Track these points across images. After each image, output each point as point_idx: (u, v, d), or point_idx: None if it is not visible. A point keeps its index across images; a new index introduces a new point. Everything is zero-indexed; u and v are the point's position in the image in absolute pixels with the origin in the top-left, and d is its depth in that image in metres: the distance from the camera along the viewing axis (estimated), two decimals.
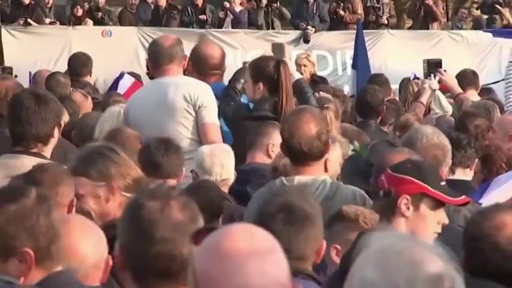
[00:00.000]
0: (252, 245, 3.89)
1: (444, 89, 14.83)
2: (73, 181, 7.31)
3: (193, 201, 5.69)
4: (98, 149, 7.35)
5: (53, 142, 8.81)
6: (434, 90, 14.87)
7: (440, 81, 14.75)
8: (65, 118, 10.68)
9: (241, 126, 11.34)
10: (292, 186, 8.17)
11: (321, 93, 15.43)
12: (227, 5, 29.86)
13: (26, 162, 7.84)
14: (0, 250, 5.41)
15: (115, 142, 9.32)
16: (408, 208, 7.12)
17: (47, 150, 8.64)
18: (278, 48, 16.16)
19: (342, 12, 30.08)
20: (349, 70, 23.47)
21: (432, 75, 14.56)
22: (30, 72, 18.15)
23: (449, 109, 14.32)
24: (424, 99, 14.46)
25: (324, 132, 8.97)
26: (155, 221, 5.01)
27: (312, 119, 9.09)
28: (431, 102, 14.61)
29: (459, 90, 15.21)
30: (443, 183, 7.39)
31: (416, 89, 16.19)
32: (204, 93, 11.01)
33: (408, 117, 13.53)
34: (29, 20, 28.63)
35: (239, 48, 25.16)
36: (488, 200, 8.38)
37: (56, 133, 8.96)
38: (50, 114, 8.80)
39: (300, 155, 8.65)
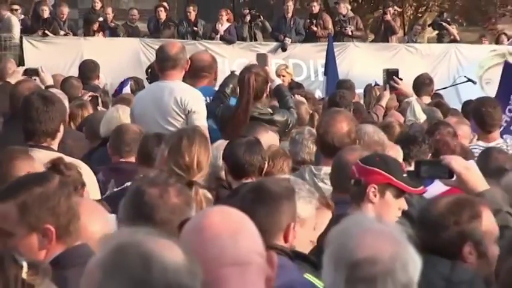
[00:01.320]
0: (226, 221, 3.95)
1: (400, 94, 14.93)
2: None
3: (187, 188, 5.86)
4: None
5: (59, 136, 8.83)
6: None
7: (396, 88, 14.90)
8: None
9: (229, 124, 11.33)
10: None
11: (296, 96, 15.49)
12: (219, 28, 29.91)
13: (37, 155, 7.83)
14: (26, 226, 5.41)
15: (120, 136, 9.68)
16: (375, 195, 7.09)
17: (55, 144, 8.68)
18: (262, 58, 16.16)
19: (314, 28, 30.11)
20: (320, 76, 23.40)
21: (389, 85, 14.84)
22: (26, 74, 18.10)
23: (422, 117, 14.29)
24: (383, 102, 14.55)
25: (353, 131, 8.96)
26: (155, 205, 5.11)
27: (344, 119, 9.13)
28: (407, 111, 14.68)
29: (412, 95, 15.33)
30: (404, 174, 7.39)
31: (378, 94, 16.20)
32: (193, 100, 10.91)
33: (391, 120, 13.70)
34: (46, 32, 28.58)
35: (227, 57, 25.10)
36: (432, 188, 8.39)
37: (62, 129, 8.93)
38: (56, 113, 8.81)
39: (331, 149, 8.62)
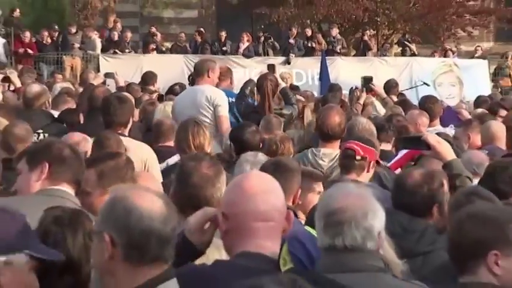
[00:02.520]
0: (261, 183, 3.91)
1: (374, 94, 15.05)
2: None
3: (219, 163, 5.79)
4: None
5: (129, 126, 8.84)
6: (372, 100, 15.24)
7: (371, 90, 15.13)
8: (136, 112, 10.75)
9: (249, 117, 11.32)
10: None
11: (297, 96, 15.48)
12: (241, 46, 30.12)
13: None
14: (101, 188, 5.44)
15: (158, 128, 9.70)
16: (370, 167, 7.17)
17: (126, 131, 8.69)
18: (271, 67, 16.34)
19: (313, 45, 30.25)
20: (316, 81, 23.31)
21: (365, 89, 15.05)
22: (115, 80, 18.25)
23: (382, 112, 14.40)
24: (361, 101, 14.55)
25: (343, 122, 8.78)
26: (189, 173, 5.07)
27: (336, 113, 8.95)
28: (371, 108, 14.84)
29: (384, 95, 15.44)
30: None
31: (357, 94, 16.15)
32: (218, 97, 10.93)
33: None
34: (116, 50, 28.69)
35: (247, 68, 25.10)
36: (393, 163, 8.40)
37: (131, 121, 8.98)
38: (127, 109, 8.87)
39: (327, 136, 8.52)
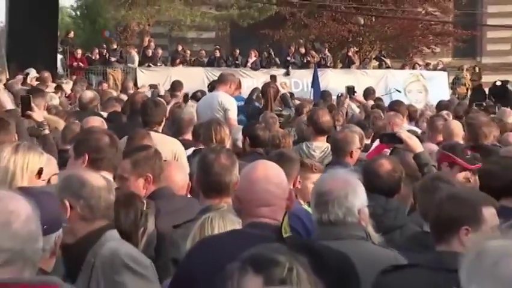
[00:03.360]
0: (266, 173, 3.85)
1: (356, 100, 15.05)
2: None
3: (234, 155, 5.72)
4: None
5: (162, 125, 8.73)
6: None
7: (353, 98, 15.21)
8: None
9: (255, 117, 11.31)
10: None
11: (295, 101, 15.49)
12: (250, 60, 30.29)
13: (152, 134, 7.75)
14: (136, 174, 5.44)
15: (178, 123, 9.67)
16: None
17: (160, 129, 8.55)
18: (273, 77, 16.38)
19: (307, 59, 30.22)
20: (309, 89, 23.22)
21: (349, 95, 15.11)
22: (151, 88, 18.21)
23: (356, 110, 14.51)
24: (345, 105, 14.48)
25: (331, 121, 8.80)
26: (211, 163, 4.96)
27: (326, 113, 9.00)
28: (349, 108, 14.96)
29: (364, 101, 15.47)
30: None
31: (342, 100, 16.13)
32: (227, 102, 10.82)
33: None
34: (150, 64, 28.70)
35: (254, 78, 25.14)
36: (369, 153, 8.35)
37: (164, 120, 8.89)
38: (161, 111, 8.78)
39: (320, 131, 8.42)
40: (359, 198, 4.27)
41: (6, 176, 4.76)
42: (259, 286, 2.66)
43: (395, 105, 12.99)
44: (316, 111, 9.15)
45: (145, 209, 4.26)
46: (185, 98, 16.11)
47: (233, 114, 10.92)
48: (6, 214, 2.42)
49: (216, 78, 13.25)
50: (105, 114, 11.22)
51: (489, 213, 4.01)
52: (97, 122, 8.50)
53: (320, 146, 8.31)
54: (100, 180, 4.10)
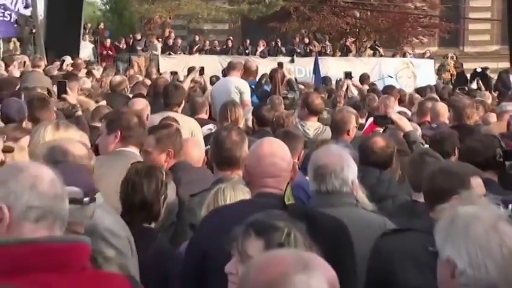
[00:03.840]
0: (271, 149, 3.83)
1: (353, 85, 14.96)
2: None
3: (244, 132, 5.76)
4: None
5: (182, 106, 8.65)
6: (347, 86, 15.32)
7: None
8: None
9: (265, 99, 11.27)
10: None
11: (300, 85, 15.48)
12: (259, 49, 30.39)
13: (172, 114, 7.84)
14: (158, 149, 5.46)
15: (192, 105, 9.57)
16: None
17: (179, 110, 8.47)
18: (280, 64, 16.30)
19: (310, 48, 30.17)
20: (311, 75, 23.08)
21: (347, 80, 15.04)
22: (171, 74, 18.11)
23: (355, 92, 14.48)
24: (344, 88, 14.39)
25: (322, 103, 8.75)
26: (224, 140, 4.96)
27: (318, 97, 8.96)
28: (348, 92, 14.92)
29: (360, 85, 15.43)
30: None
31: (341, 84, 16.08)
32: (243, 86, 10.98)
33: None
34: (171, 53, 28.64)
35: (262, 65, 24.60)
36: (364, 131, 8.34)
37: (183, 102, 8.83)
38: (180, 94, 8.72)
39: (311, 112, 8.36)
40: (352, 171, 4.32)
41: (58, 152, 4.76)
42: (261, 248, 2.70)
43: (388, 89, 13.05)
44: (309, 95, 9.18)
45: (164, 177, 4.25)
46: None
47: (247, 96, 11.02)
48: (32, 178, 2.42)
49: None
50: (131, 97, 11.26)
51: (476, 183, 4.00)
52: (142, 103, 8.44)
53: (313, 125, 8.29)
54: (81, 148, 4.08)
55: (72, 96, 8.01)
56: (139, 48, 29.48)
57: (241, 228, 2.82)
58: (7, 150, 5.02)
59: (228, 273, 2.82)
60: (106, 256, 2.90)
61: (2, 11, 20.55)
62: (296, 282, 1.98)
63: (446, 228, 2.65)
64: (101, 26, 33.86)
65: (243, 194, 4.09)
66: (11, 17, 21.26)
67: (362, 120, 8.98)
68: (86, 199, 3.35)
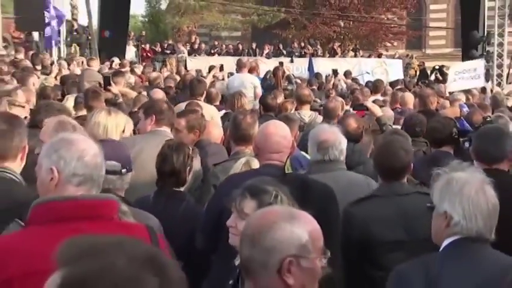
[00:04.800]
0: (275, 129, 3.79)
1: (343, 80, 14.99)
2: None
3: (256, 115, 5.81)
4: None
5: (203, 95, 8.63)
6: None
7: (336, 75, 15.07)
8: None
9: (270, 91, 11.21)
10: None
11: (297, 80, 15.36)
12: (264, 52, 30.22)
13: (196, 102, 7.78)
14: (188, 129, 5.36)
15: (208, 95, 9.23)
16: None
17: (202, 99, 8.40)
18: (281, 63, 16.23)
19: (305, 51, 30.00)
20: (306, 71, 22.95)
21: (338, 76, 15.03)
22: (196, 71, 18.01)
23: (344, 86, 14.45)
24: (331, 83, 14.44)
25: (310, 95, 8.53)
26: (240, 122, 4.89)
27: (306, 89, 9.00)
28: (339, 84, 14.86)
29: (347, 80, 15.34)
30: None
31: (330, 79, 16.03)
32: (255, 81, 11.16)
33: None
34: (196, 54, 28.55)
35: (267, 64, 24.41)
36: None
37: (204, 92, 8.77)
38: (202, 86, 8.67)
39: (303, 102, 8.18)
40: (344, 144, 4.38)
41: (104, 131, 4.78)
42: (254, 207, 2.72)
43: (377, 83, 12.83)
44: (300, 89, 9.16)
45: (191, 152, 4.22)
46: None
47: (259, 89, 11.20)
48: (79, 151, 2.42)
49: None
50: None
51: None
52: (160, 93, 8.49)
53: (307, 113, 8.11)
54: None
55: (115, 88, 7.98)
56: (169, 51, 29.35)
57: (238, 191, 2.84)
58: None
59: (229, 226, 2.85)
60: (122, 210, 2.91)
61: (56, 22, 20.48)
62: (282, 228, 2.00)
63: (443, 189, 2.73)
64: (142, 33, 34.10)
65: (254, 165, 4.14)
66: (72, 28, 21.34)
67: (347, 107, 8.96)
68: (123, 170, 3.41)
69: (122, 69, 13.84)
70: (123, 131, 5.02)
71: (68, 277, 1.16)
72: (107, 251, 1.19)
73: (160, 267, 1.19)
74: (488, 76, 20.43)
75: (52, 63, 14.33)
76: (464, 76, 12.66)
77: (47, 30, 19.11)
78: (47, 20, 18.92)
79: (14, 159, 3.35)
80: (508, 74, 21.33)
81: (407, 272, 2.72)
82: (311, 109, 8.47)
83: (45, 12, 18.84)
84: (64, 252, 1.19)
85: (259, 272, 2.00)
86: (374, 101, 8.96)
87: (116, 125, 4.96)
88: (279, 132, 3.79)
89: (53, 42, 19.62)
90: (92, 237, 1.24)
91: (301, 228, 2.01)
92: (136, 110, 7.18)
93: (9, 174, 3.30)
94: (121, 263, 1.16)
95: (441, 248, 2.73)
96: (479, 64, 13.18)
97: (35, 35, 21.90)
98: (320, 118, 7.86)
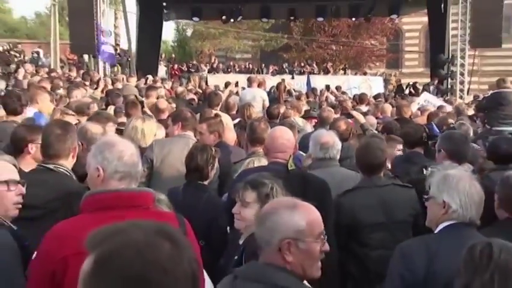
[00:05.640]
0: (282, 133, 3.78)
1: (333, 93, 14.82)
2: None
3: (267, 123, 5.59)
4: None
5: (219, 106, 8.51)
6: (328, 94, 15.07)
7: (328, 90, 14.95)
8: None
9: (274, 102, 11.15)
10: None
11: (297, 93, 15.30)
12: (270, 71, 29.97)
13: (213, 111, 7.67)
14: (209, 132, 5.30)
15: (227, 106, 9.14)
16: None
17: (218, 108, 8.27)
18: (283, 80, 16.12)
19: (304, 70, 29.80)
20: (305, 86, 22.77)
21: (327, 90, 14.90)
22: (215, 87, 17.93)
23: (333, 99, 14.30)
24: (324, 97, 14.30)
25: (304, 105, 8.61)
26: (256, 127, 4.86)
27: (302, 101, 9.20)
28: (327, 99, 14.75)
29: (337, 93, 15.21)
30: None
31: (323, 93, 15.96)
32: (264, 95, 11.07)
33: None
34: (215, 72, 28.31)
35: (272, 80, 24.11)
36: None
37: (220, 103, 8.66)
38: (218, 98, 8.65)
39: (297, 112, 8.25)
40: (339, 145, 4.42)
41: (141, 135, 4.87)
42: (254, 197, 2.78)
43: (362, 96, 12.75)
44: (296, 101, 9.10)
45: (213, 153, 4.22)
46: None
47: (267, 101, 11.07)
48: (119, 152, 2.43)
49: None
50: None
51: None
52: (164, 103, 8.21)
53: (300, 120, 8.03)
54: (98, 128, 4.32)
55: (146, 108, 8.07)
56: (193, 70, 29.19)
57: (241, 184, 2.87)
58: (118, 131, 5.18)
59: (234, 213, 2.87)
60: (158, 198, 2.94)
61: (110, 47, 20.66)
62: (282, 215, 2.01)
63: (441, 183, 2.75)
64: (172, 55, 34.00)
65: (264, 162, 4.15)
66: (115, 51, 21.43)
67: (337, 115, 8.92)
68: (145, 170, 3.47)
69: (155, 85, 13.87)
70: (154, 136, 5.09)
71: (98, 257, 1.17)
72: (125, 230, 1.21)
73: (170, 235, 1.21)
74: (450, 90, 20.47)
75: (99, 80, 14.36)
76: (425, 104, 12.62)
77: (99, 53, 19.56)
78: (97, 45, 19.18)
79: (67, 157, 3.41)
80: (468, 89, 21.25)
81: (410, 248, 2.70)
82: (308, 117, 8.46)
83: (96, 38, 19.11)
84: (91, 240, 1.21)
85: (265, 247, 2.02)
86: (358, 110, 8.95)
87: (149, 129, 5.04)
88: (284, 135, 3.78)
89: (101, 62, 19.92)
90: (111, 224, 1.25)
91: (300, 216, 2.01)
92: (164, 118, 7.20)
93: (62, 170, 3.35)
94: (139, 235, 1.18)
95: (437, 230, 2.74)
96: (428, 96, 13.09)
97: (86, 57, 22.06)
98: (308, 124, 7.84)
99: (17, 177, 2.71)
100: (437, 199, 2.73)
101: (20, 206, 2.70)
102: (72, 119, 5.32)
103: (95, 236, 1.21)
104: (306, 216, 2.02)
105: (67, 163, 3.40)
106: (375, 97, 15.54)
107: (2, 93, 8.24)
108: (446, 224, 2.70)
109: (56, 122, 3.98)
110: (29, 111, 6.05)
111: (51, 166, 3.34)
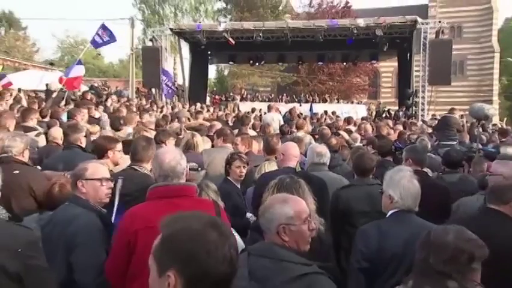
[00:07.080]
0: (290, 145, 3.74)
1: (329, 116, 14.37)
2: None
3: (279, 137, 5.13)
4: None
5: (249, 125, 8.26)
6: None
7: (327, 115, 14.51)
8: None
9: (287, 123, 10.91)
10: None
11: (302, 115, 15.14)
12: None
13: (244, 129, 7.55)
14: (248, 144, 5.16)
15: (243, 121, 8.59)
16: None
17: (247, 128, 7.89)
18: (294, 107, 15.65)
19: (309, 99, 29.41)
20: (309, 111, 22.38)
21: (325, 115, 14.51)
22: (244, 112, 17.71)
23: (329, 121, 13.91)
24: (322, 119, 13.97)
25: (303, 123, 8.16)
26: (270, 141, 4.64)
27: (304, 120, 8.88)
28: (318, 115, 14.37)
29: (332, 116, 14.83)
30: None
31: (322, 117, 15.70)
32: (280, 117, 10.68)
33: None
34: (244, 101, 28.08)
35: (286, 107, 23.94)
36: None
37: (249, 124, 8.42)
38: (248, 120, 8.26)
39: (298, 128, 7.85)
40: (329, 154, 4.28)
41: (195, 146, 4.68)
42: (283, 195, 2.58)
43: (349, 118, 12.51)
44: (298, 121, 8.61)
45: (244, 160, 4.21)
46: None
47: (282, 122, 10.50)
48: (162, 161, 2.42)
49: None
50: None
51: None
52: (218, 125, 8.04)
53: (301, 133, 7.73)
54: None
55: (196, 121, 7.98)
56: (229, 99, 29.15)
57: (273, 182, 2.76)
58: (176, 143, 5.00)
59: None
60: (207, 184, 2.92)
61: (171, 84, 20.88)
62: (276, 207, 1.97)
63: (388, 181, 2.72)
64: (214, 89, 34.01)
65: (274, 166, 4.07)
66: (174, 86, 21.65)
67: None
68: (199, 169, 3.50)
69: (203, 111, 13.95)
70: (199, 147, 5.02)
71: (164, 235, 1.21)
72: (187, 218, 1.23)
73: (217, 226, 1.22)
74: (414, 115, 20.17)
75: (163, 106, 14.52)
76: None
77: (163, 87, 19.81)
78: (161, 81, 19.54)
79: (147, 162, 3.44)
80: (427, 114, 21.04)
81: (367, 230, 2.69)
82: (312, 134, 8.35)
83: (161, 76, 19.50)
84: (163, 222, 1.24)
85: (267, 232, 2.00)
86: (347, 129, 8.85)
87: (199, 141, 4.95)
88: (293, 147, 3.76)
89: (165, 94, 20.14)
90: (179, 213, 1.28)
91: (289, 207, 1.99)
92: (211, 134, 7.20)
93: (145, 171, 3.42)
94: (195, 224, 1.20)
95: (387, 215, 2.72)
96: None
97: (153, 90, 22.34)
98: (309, 137, 7.73)
99: (107, 175, 2.73)
100: (386, 192, 2.71)
101: (110, 195, 2.70)
102: (149, 134, 5.38)
103: (166, 220, 1.24)
104: (294, 206, 2.00)
105: (148, 166, 3.41)
106: (362, 119, 15.36)
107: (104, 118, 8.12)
108: (392, 212, 2.68)
109: (143, 136, 4.04)
110: (127, 129, 6.31)
111: (136, 167, 3.38)
